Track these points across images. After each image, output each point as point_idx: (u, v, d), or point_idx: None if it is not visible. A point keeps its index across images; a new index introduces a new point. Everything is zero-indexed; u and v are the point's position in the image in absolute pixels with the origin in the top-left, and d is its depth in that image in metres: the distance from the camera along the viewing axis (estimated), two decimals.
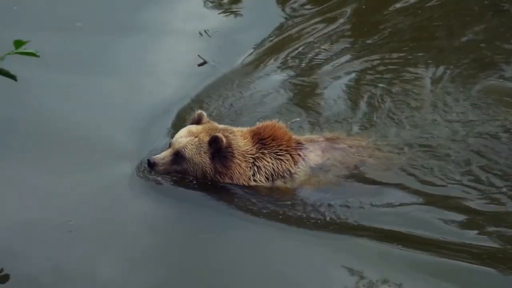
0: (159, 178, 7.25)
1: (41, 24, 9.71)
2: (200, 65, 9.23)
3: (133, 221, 6.93)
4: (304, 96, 8.70)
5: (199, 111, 7.39)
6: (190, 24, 10.10)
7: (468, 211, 6.95)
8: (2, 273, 6.25)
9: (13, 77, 5.25)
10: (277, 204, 7.06)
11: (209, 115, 7.69)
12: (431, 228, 6.78)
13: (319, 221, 6.84)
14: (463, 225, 6.84)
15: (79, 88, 8.73)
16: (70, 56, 9.25)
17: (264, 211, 6.99)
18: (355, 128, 8.01)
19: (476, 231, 6.75)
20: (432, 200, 7.11)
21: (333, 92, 8.72)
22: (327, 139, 7.48)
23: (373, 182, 7.28)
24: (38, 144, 7.76)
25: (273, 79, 9.01)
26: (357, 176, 7.31)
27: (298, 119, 8.09)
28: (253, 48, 9.69)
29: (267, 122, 7.36)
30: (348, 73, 9.12)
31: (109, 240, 6.71)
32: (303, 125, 8.10)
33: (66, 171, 7.40)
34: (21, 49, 5.08)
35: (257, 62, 9.37)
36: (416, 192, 7.19)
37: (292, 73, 9.16)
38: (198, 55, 9.28)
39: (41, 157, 7.58)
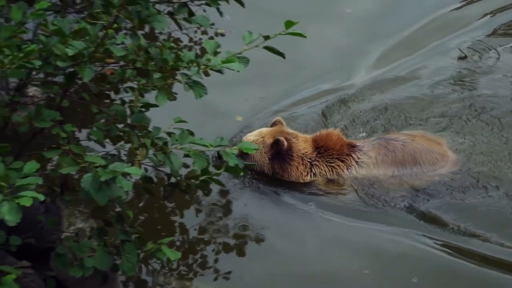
0: None
1: None
2: (460, 58, 9.54)
3: None
4: None
5: (277, 117, 8.01)
6: None
7: None
8: None
9: (281, 54, 5.25)
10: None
11: None
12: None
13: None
14: None
15: None
16: None
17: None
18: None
19: None
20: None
21: None
22: (382, 136, 7.93)
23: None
24: None
25: None
26: (409, 174, 7.70)
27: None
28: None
29: (324, 131, 7.94)
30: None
31: None
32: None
33: None
34: (290, 30, 5.08)
35: None
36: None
37: None
38: (459, 49, 9.61)
39: None
